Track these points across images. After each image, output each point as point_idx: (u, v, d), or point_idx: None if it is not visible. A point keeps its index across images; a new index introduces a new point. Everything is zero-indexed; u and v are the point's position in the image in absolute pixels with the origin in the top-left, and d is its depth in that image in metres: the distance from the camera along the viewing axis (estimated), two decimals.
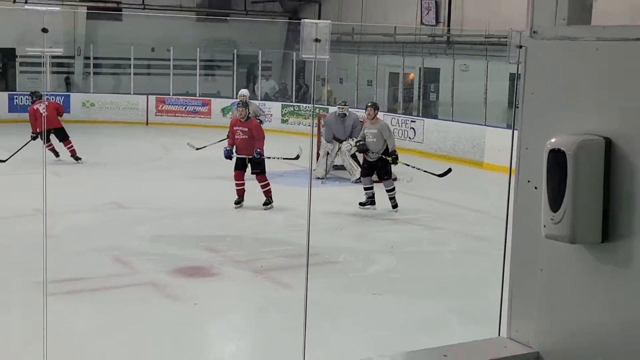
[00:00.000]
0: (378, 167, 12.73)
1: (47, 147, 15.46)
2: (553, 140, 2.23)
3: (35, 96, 17.23)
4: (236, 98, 23.55)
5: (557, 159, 2.20)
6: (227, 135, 12.99)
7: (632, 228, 2.16)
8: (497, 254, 5.87)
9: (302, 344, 4.10)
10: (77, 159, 16.74)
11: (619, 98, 2.23)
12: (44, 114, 15.81)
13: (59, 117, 17.06)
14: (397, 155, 12.89)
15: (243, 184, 12.33)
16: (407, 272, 9.92)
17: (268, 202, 12.34)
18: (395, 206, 12.57)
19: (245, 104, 13.11)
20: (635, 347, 2.22)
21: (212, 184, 14.47)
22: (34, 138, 15.72)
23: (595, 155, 2.19)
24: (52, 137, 16.38)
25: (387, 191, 12.62)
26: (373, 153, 12.70)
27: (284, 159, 14.45)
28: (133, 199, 13.14)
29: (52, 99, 22.49)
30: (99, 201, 12.72)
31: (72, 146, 16.74)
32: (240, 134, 12.39)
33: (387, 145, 12.71)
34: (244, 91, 16.91)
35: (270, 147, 13.78)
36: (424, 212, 12.95)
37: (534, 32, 2.41)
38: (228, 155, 12.49)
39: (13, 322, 7.37)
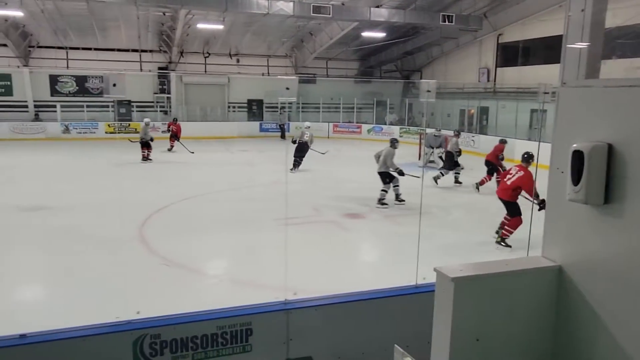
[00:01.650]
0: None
1: None
2: (575, 145, 2.08)
3: None
4: (376, 124, 23.51)
5: (578, 156, 2.05)
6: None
7: (623, 196, 1.98)
8: (527, 209, 5.54)
9: (417, 253, 4.03)
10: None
11: (616, 120, 2.03)
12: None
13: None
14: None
15: None
16: (468, 218, 9.58)
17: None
18: (458, 182, 12.36)
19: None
20: (617, 265, 2.04)
21: (366, 170, 14.48)
22: None
23: (601, 153, 2.02)
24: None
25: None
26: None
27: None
28: (322, 177, 13.40)
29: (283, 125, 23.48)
30: (305, 177, 13.02)
31: None
32: None
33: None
34: (307, 123, 15.34)
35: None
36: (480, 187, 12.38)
37: (563, 82, 2.24)
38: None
39: (265, 238, 7.69)
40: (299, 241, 7.51)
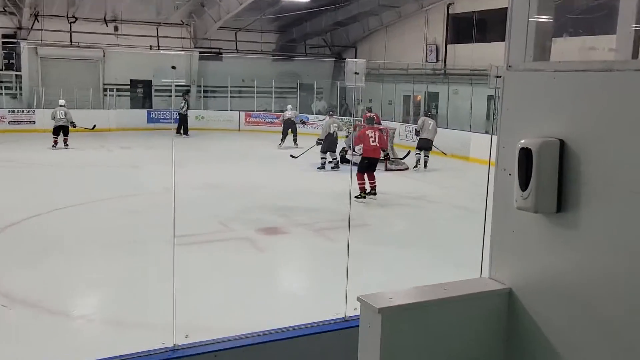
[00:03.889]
0: None
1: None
2: (523, 141, 2.19)
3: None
4: (300, 113, 23.71)
5: (525, 154, 2.16)
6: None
7: (578, 202, 2.12)
8: (478, 220, 5.81)
9: (345, 278, 4.08)
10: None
11: (568, 111, 2.18)
12: None
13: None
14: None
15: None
16: (415, 232, 9.91)
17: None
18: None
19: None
20: (575, 284, 2.18)
21: (285, 172, 14.59)
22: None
23: (552, 151, 2.14)
24: None
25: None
26: None
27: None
28: (230, 181, 13.31)
29: (176, 114, 22.96)
30: (208, 183, 12.86)
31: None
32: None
33: None
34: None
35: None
36: (427, 191, 12.88)
37: (509, 66, 2.36)
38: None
39: (153, 263, 7.50)
40: (199, 266, 7.41)
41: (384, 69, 24.29)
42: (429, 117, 16.34)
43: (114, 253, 8.08)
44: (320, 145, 15.04)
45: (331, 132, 14.92)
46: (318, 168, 14.81)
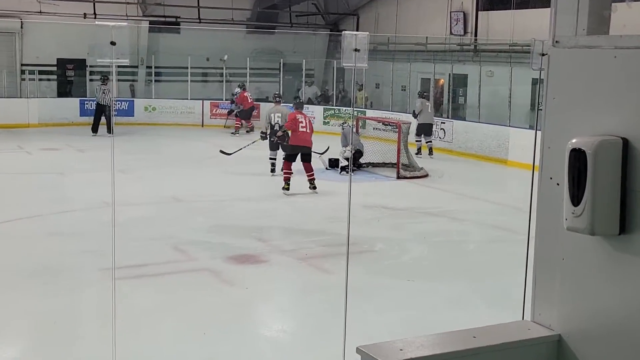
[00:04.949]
0: None
1: None
2: (574, 140, 2.20)
3: None
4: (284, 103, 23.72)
5: (578, 157, 2.17)
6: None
7: None
8: (518, 244, 5.85)
9: (343, 322, 4.09)
10: None
11: (635, 101, 2.18)
12: None
13: None
14: None
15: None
16: (436, 259, 9.91)
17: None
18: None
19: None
20: None
21: (259, 179, 14.58)
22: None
23: (613, 154, 2.15)
24: None
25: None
26: None
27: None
28: (189, 193, 13.30)
29: (119, 105, 22.88)
30: (159, 195, 12.86)
31: None
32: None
33: None
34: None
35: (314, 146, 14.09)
36: (453, 206, 12.89)
37: (556, 41, 2.37)
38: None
39: (84, 303, 7.51)
40: (147, 306, 7.39)
41: (395, 43, 24.33)
42: (425, 98, 19.37)
43: (35, 288, 8.02)
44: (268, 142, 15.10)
45: (272, 123, 14.90)
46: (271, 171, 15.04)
